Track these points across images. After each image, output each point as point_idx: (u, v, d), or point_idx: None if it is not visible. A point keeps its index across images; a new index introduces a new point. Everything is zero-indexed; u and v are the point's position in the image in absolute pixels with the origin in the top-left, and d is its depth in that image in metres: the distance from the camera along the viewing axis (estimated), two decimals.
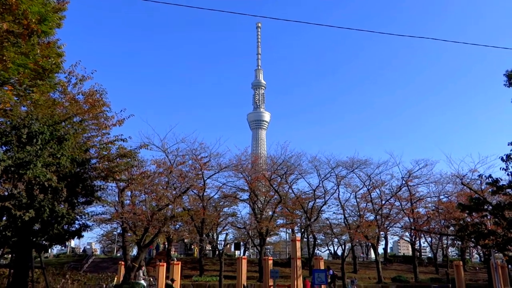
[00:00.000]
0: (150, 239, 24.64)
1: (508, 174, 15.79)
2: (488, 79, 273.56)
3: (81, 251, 55.87)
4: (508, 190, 17.33)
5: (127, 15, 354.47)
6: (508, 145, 16.43)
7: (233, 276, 32.40)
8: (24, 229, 10.81)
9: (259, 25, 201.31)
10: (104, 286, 25.13)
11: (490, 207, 18.29)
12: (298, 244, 31.63)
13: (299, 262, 30.52)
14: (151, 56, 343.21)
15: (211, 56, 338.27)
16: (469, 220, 23.50)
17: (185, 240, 51.96)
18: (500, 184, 16.25)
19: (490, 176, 16.27)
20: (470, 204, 18.31)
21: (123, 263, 25.93)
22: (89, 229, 13.58)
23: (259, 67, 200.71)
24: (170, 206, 24.78)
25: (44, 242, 11.90)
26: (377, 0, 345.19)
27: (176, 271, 28.48)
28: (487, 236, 18.38)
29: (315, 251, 46.15)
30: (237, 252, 45.75)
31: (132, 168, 19.19)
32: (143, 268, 26.75)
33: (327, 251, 57.58)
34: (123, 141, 15.84)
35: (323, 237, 51.13)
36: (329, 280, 26.47)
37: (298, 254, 31.09)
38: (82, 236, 14.73)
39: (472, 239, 21.05)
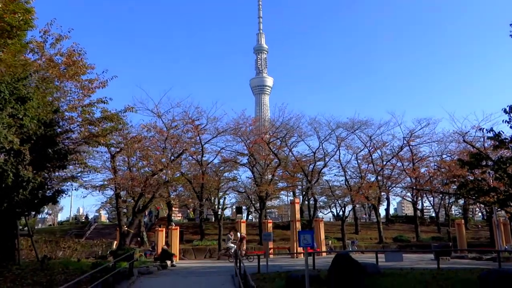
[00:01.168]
0: (144, 205, 24.36)
1: (511, 127, 14.87)
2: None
3: (84, 218, 56.38)
4: (511, 145, 16.46)
5: None
6: None
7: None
8: None
9: None
10: (100, 252, 25.15)
11: (491, 163, 17.50)
12: (297, 206, 31.47)
13: (298, 224, 30.47)
14: (148, 24, 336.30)
15: (212, 22, 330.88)
16: (471, 178, 22.78)
17: (188, 206, 52.08)
18: (502, 137, 15.35)
19: (491, 129, 15.34)
20: (470, 160, 17.54)
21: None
22: (65, 195, 13.08)
23: (261, 31, 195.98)
24: (168, 172, 24.37)
25: (12, 209, 11.32)
26: None
27: (174, 236, 28.50)
28: (488, 193, 17.73)
29: (318, 214, 46.13)
30: (240, 217, 45.82)
31: (118, 131, 18.44)
32: (231, 233, 26.95)
33: (330, 213, 57.71)
34: (104, 103, 15.07)
35: (326, 200, 51.05)
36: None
37: (298, 216, 31.00)
38: (57, 202, 14.25)
39: (473, 196, 20.42)
